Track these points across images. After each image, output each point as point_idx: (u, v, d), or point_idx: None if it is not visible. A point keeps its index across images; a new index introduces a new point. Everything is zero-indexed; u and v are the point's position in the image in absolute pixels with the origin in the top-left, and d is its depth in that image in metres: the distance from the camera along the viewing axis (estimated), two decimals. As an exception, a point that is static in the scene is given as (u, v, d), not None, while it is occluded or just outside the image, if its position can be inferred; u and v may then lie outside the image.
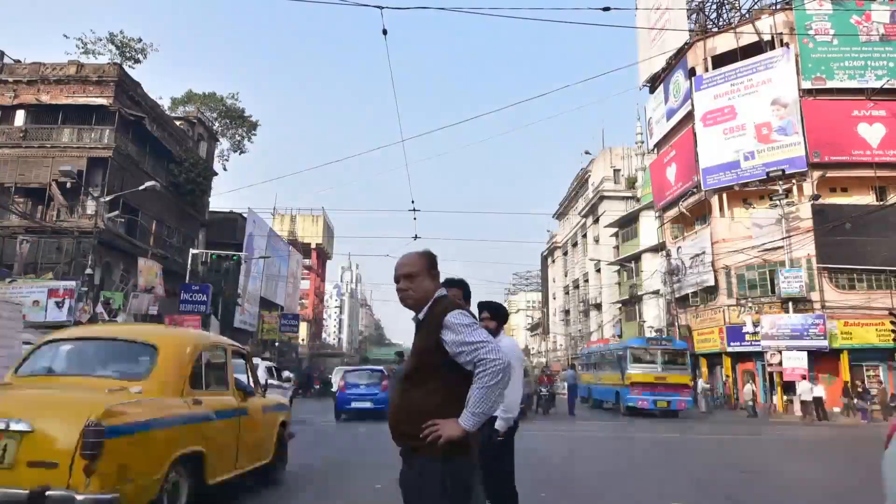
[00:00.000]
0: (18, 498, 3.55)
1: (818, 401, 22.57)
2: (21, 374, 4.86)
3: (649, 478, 8.45)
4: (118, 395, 4.22)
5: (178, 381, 4.78)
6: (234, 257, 34.34)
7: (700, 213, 31.44)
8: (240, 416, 5.64)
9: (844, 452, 12.96)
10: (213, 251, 32.72)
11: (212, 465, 4.90)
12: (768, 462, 10.21)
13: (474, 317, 2.49)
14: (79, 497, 3.60)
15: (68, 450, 3.68)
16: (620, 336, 42.44)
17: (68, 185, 24.59)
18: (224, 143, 42.55)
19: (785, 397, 25.14)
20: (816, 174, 26.71)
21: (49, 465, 3.67)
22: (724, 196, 29.45)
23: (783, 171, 25.99)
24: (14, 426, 3.72)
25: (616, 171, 49.14)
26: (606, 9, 10.89)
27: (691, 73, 30.98)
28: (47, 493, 3.57)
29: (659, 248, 35.29)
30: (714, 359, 29.52)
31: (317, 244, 64.66)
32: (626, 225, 42.29)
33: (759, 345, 25.83)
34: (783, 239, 25.60)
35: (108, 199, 24.01)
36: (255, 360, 11.14)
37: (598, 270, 47.68)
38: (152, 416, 4.25)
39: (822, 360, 24.87)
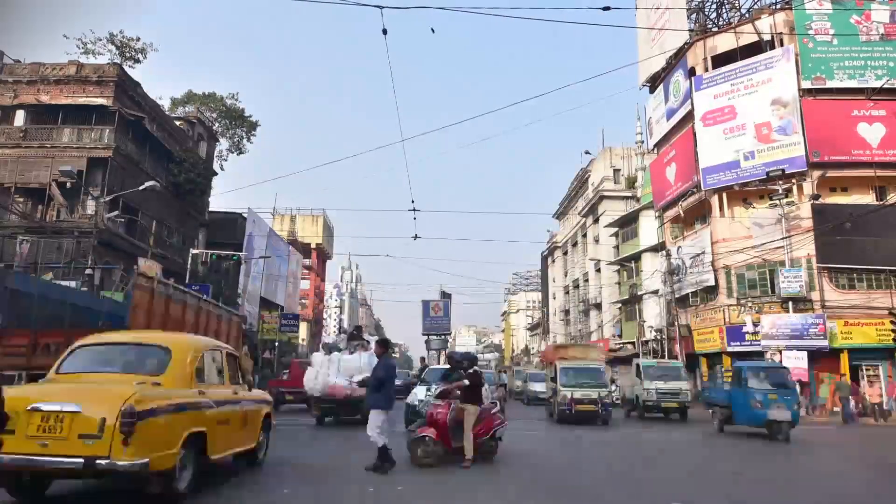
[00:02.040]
0: (76, 465, 4.81)
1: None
2: (62, 372, 5.98)
3: (647, 477, 8.44)
4: (144, 387, 5.42)
5: (186, 377, 6.01)
6: (234, 257, 34.30)
7: (700, 213, 31.43)
8: (233, 405, 6.87)
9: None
10: (212, 251, 32.69)
11: (213, 443, 6.08)
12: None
13: None
14: (120, 463, 4.82)
15: (110, 426, 4.85)
16: (620, 336, 42.46)
17: (68, 185, 24.58)
18: (224, 143, 42.56)
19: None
20: (816, 174, 26.70)
21: (95, 437, 4.84)
22: (724, 196, 29.44)
23: (783, 170, 25.97)
24: (67, 408, 4.91)
25: (616, 171, 49.07)
26: (606, 8, 10.90)
27: (691, 72, 30.96)
28: (97, 461, 4.78)
29: (659, 248, 35.27)
30: (714, 359, 29.51)
31: (317, 244, 64.61)
32: (626, 225, 42.27)
33: (759, 345, 25.81)
34: (783, 239, 25.58)
35: (108, 199, 24.01)
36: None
37: (598, 270, 47.63)
38: (170, 403, 5.41)
39: (822, 360, 24.87)
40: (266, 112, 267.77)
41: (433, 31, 12.37)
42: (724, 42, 30.40)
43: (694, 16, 33.16)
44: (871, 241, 24.81)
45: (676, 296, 31.54)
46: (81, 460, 4.76)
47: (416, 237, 26.47)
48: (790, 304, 25.61)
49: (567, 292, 60.32)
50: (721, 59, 30.15)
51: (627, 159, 48.78)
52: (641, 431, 16.01)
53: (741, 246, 27.22)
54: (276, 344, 42.72)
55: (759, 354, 26.28)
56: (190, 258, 29.69)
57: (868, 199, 27.04)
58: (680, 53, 32.02)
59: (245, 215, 38.64)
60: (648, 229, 38.61)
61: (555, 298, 65.34)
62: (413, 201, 27.15)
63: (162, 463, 5.15)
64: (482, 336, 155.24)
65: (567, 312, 60.08)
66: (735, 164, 28.49)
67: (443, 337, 48.11)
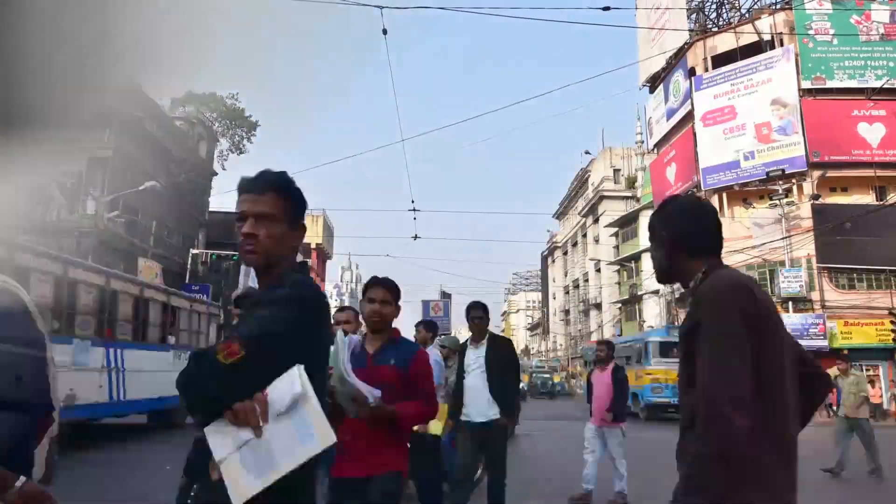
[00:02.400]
0: None
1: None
2: None
3: (648, 478, 8.44)
4: None
5: None
6: (234, 257, 34.32)
7: (700, 213, 31.42)
8: None
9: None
10: (213, 251, 32.69)
11: None
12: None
13: None
14: None
15: None
16: (621, 336, 42.47)
17: (68, 185, 24.59)
18: (224, 144, 42.57)
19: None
20: (816, 174, 26.70)
21: None
22: (724, 196, 29.45)
23: (783, 170, 25.99)
24: None
25: (616, 171, 49.13)
26: (606, 8, 10.90)
27: (691, 72, 30.97)
28: None
29: (659, 248, 35.27)
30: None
31: (317, 244, 64.59)
32: (626, 225, 42.29)
33: (759, 344, 25.80)
34: (783, 239, 25.59)
35: (108, 199, 24.04)
36: None
37: (598, 270, 47.68)
38: None
39: (821, 360, 24.81)
40: (266, 112, 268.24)
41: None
42: (724, 42, 30.41)
43: (694, 16, 33.19)
44: (871, 241, 24.79)
45: (676, 296, 31.55)
46: None
47: (416, 237, 26.40)
48: (790, 304, 25.61)
49: (567, 292, 60.38)
50: (721, 60, 30.16)
51: (627, 159, 48.82)
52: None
53: (741, 246, 27.18)
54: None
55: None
56: (190, 258, 29.72)
57: (868, 199, 27.04)
58: (680, 53, 32.03)
59: (245, 215, 38.61)
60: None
61: (555, 298, 65.40)
62: (413, 201, 27.08)
63: None
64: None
65: (567, 312, 60.13)
66: (735, 164, 28.50)
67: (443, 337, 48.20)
